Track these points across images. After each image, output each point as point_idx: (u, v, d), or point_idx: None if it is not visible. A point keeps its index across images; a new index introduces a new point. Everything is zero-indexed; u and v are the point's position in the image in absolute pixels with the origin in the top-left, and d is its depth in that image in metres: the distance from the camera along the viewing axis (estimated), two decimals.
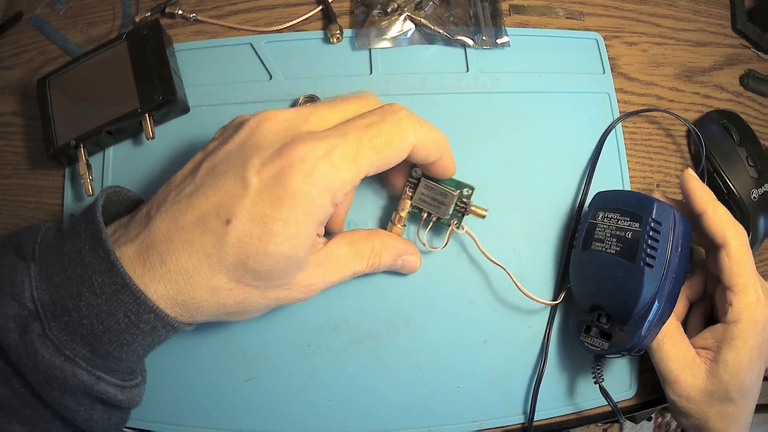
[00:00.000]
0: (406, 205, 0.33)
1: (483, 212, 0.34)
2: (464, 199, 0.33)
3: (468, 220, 0.34)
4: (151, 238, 0.25)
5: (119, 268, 0.24)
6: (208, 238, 0.25)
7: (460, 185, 0.33)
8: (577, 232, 0.36)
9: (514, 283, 0.35)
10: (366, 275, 0.37)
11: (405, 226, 0.34)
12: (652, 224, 0.32)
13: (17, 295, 0.25)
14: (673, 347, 0.33)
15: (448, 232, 0.34)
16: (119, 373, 0.27)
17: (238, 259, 0.25)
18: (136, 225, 0.26)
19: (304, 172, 0.25)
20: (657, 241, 0.32)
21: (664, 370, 0.34)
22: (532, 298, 0.35)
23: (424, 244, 0.34)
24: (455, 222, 0.34)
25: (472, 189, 0.33)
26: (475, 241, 0.34)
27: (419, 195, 0.33)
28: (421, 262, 0.35)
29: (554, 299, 0.38)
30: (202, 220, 0.25)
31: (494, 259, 0.34)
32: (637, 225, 0.32)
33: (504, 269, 0.34)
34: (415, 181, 0.33)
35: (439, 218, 0.33)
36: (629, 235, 0.32)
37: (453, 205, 0.33)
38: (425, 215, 0.34)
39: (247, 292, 0.26)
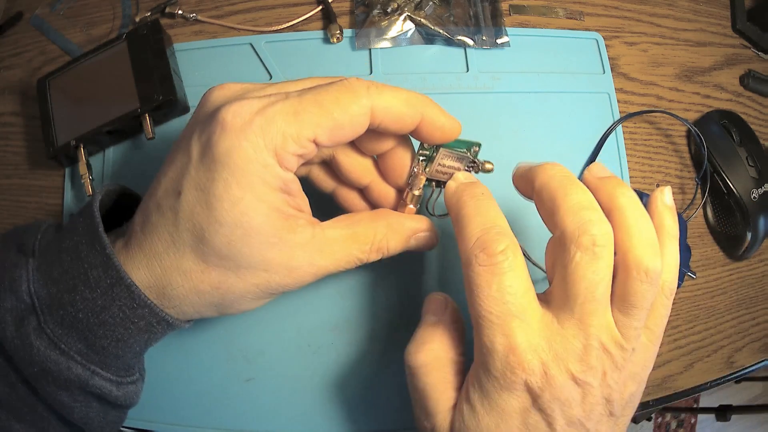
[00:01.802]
0: (421, 182, 0.30)
1: (490, 166, 0.31)
2: (473, 158, 0.31)
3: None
4: (132, 228, 0.26)
5: (114, 262, 0.24)
6: (168, 216, 0.24)
7: (467, 144, 0.30)
8: None
9: (520, 246, 0.34)
10: (366, 271, 0.37)
11: (418, 206, 0.31)
12: None
13: (15, 288, 0.25)
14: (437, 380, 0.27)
15: None
16: (115, 369, 0.27)
17: (194, 233, 0.24)
18: (129, 222, 0.27)
19: (236, 129, 0.23)
20: None
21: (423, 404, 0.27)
22: (534, 264, 0.35)
23: (433, 215, 0.31)
24: None
25: (479, 145, 0.30)
26: None
27: (437, 166, 0.30)
28: (438, 238, 0.31)
29: None
30: (162, 199, 0.25)
31: None
32: None
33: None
34: (428, 153, 0.30)
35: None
36: None
37: (464, 167, 0.30)
38: (434, 185, 0.31)
39: (220, 275, 0.25)
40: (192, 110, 0.39)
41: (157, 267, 0.25)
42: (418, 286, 0.37)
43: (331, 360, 0.36)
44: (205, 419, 0.35)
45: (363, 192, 0.31)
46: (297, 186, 0.26)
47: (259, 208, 0.24)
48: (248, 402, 0.36)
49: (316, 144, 0.24)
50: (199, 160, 0.24)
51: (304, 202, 0.27)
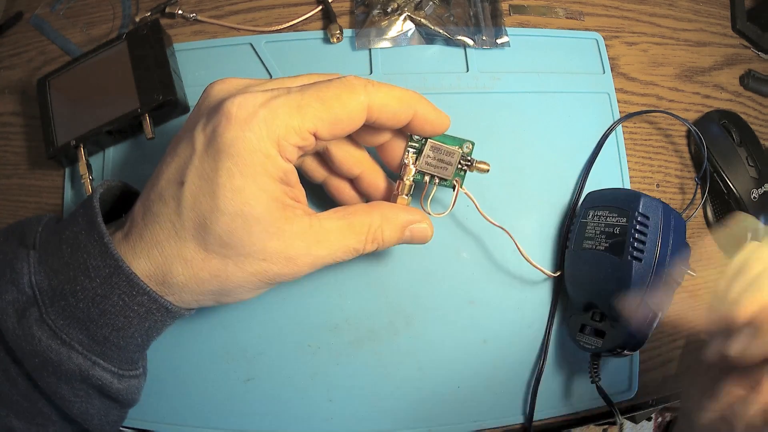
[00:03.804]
0: (411, 172, 0.31)
1: (486, 167, 0.32)
2: (467, 156, 0.32)
3: (469, 212, 0.34)
4: (132, 218, 0.26)
5: (112, 251, 0.25)
6: (170, 205, 0.25)
7: (459, 141, 0.31)
8: (570, 233, 0.36)
9: (517, 247, 0.34)
10: (366, 272, 0.37)
11: (410, 195, 0.31)
12: (639, 218, 0.32)
13: (16, 280, 0.25)
14: None
15: (455, 193, 0.32)
16: (117, 361, 0.27)
17: (197, 221, 0.25)
18: (128, 213, 0.27)
19: (241, 120, 0.24)
20: (644, 235, 0.32)
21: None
22: (532, 264, 0.35)
23: (429, 213, 0.32)
24: (459, 181, 0.32)
25: (472, 144, 0.32)
26: (474, 203, 0.33)
27: (425, 158, 0.31)
28: (433, 231, 0.31)
29: (553, 302, 0.38)
30: (164, 189, 0.25)
31: (495, 222, 0.34)
32: (624, 220, 0.32)
33: (506, 231, 0.34)
34: (417, 145, 0.31)
35: (442, 180, 0.32)
36: (617, 230, 0.33)
37: (456, 164, 0.31)
38: (428, 180, 0.32)
39: (220, 263, 0.25)
40: (192, 110, 0.39)
41: (158, 255, 0.25)
42: (418, 287, 0.37)
43: (331, 360, 0.36)
44: (205, 419, 0.35)
45: (353, 182, 0.32)
46: (295, 177, 0.27)
47: (261, 197, 0.25)
48: (248, 402, 0.36)
49: (316, 137, 0.26)
50: (203, 151, 0.25)
51: (301, 193, 0.28)
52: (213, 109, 0.25)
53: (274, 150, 0.24)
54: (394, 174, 0.32)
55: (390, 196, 0.32)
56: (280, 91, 0.25)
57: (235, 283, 0.26)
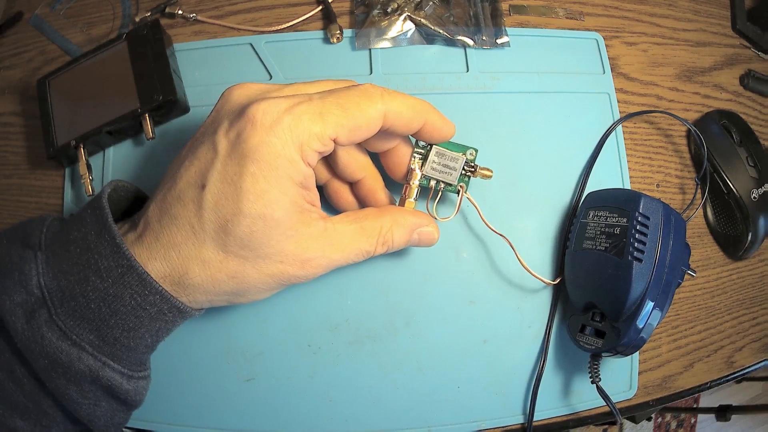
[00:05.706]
0: (417, 177, 0.32)
1: (489, 173, 0.33)
2: (471, 162, 0.33)
3: (470, 213, 0.34)
4: (147, 219, 0.26)
5: (125, 251, 0.25)
6: (190, 207, 0.25)
7: (463, 148, 0.33)
8: (570, 233, 0.37)
9: (516, 255, 0.35)
10: (367, 272, 0.37)
11: (417, 199, 0.33)
12: (640, 218, 0.32)
13: (24, 282, 0.25)
14: None
15: (459, 198, 0.33)
16: (126, 362, 0.27)
17: (218, 223, 0.25)
18: (139, 214, 0.28)
19: (266, 125, 0.25)
20: (645, 235, 0.32)
21: None
22: (532, 274, 0.35)
23: (435, 217, 0.33)
24: (463, 187, 0.33)
25: (476, 150, 0.33)
26: (478, 210, 0.34)
27: (431, 164, 0.32)
28: (439, 234, 0.33)
29: (553, 302, 0.38)
30: (184, 192, 0.26)
31: (496, 229, 0.34)
32: (625, 220, 0.32)
33: (505, 239, 0.34)
34: (423, 151, 0.32)
35: (447, 185, 0.33)
36: (617, 230, 0.33)
37: (461, 169, 0.33)
38: (433, 185, 0.33)
39: (238, 265, 0.26)
40: (192, 110, 0.39)
41: (175, 257, 0.25)
42: (418, 287, 0.37)
43: (331, 360, 0.36)
44: (205, 419, 0.35)
45: (353, 187, 0.33)
46: (313, 181, 0.28)
47: (282, 201, 0.25)
48: (248, 402, 0.36)
49: (335, 142, 0.26)
50: (227, 155, 0.25)
51: (316, 197, 0.29)
52: (236, 114, 0.26)
53: (297, 155, 0.25)
54: (391, 181, 0.33)
55: (388, 203, 0.33)
56: (301, 98, 0.26)
57: (250, 284, 0.27)
